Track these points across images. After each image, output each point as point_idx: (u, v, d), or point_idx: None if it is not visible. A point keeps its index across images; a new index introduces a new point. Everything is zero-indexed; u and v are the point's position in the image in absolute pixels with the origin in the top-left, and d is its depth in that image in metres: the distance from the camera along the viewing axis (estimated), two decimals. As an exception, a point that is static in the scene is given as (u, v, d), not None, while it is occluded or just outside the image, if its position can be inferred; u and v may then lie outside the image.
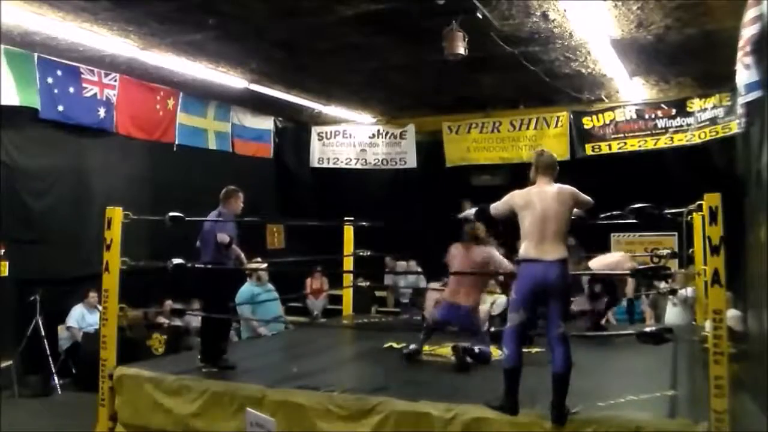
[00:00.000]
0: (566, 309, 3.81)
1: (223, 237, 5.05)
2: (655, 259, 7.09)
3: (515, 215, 3.86)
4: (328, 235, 8.12)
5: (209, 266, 5.12)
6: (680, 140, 9.21)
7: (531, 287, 3.69)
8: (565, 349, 3.64)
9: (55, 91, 7.51)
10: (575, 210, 3.92)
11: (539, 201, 3.75)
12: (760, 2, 4.41)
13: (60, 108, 7.60)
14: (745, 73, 4.80)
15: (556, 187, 3.83)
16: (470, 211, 4.33)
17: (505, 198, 3.95)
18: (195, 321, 8.21)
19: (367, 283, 7.59)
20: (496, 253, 5.25)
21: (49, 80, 7.40)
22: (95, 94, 8.00)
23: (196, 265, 5.16)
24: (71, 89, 7.69)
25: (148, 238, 7.81)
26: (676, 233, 8.21)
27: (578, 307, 6.54)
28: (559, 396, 3.58)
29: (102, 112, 8.12)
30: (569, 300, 3.92)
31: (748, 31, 4.49)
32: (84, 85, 7.83)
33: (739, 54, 4.79)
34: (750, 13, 4.48)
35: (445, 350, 5.73)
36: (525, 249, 3.72)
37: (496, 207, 4.01)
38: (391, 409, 3.91)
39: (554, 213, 3.72)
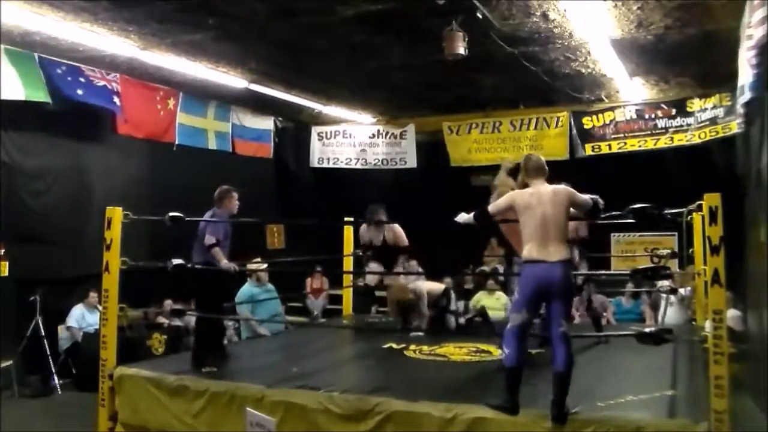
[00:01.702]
0: (568, 309, 3.83)
1: (210, 239, 5.06)
2: (655, 259, 7.09)
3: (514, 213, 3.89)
4: (328, 235, 8.12)
5: (199, 266, 5.12)
6: (680, 140, 9.21)
7: (534, 288, 3.71)
8: (566, 348, 3.66)
9: (68, 78, 7.51)
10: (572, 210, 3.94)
11: (537, 203, 3.78)
12: (766, 3, 4.40)
13: (79, 92, 7.60)
14: (750, 73, 4.80)
15: (551, 189, 3.87)
16: (468, 216, 4.30)
17: (507, 196, 3.98)
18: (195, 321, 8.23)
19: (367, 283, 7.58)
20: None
21: (59, 71, 7.40)
22: (105, 85, 8.02)
23: (188, 266, 5.16)
24: (81, 80, 7.70)
25: (148, 238, 7.82)
26: (676, 233, 8.20)
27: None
28: (559, 395, 3.59)
29: (117, 100, 8.15)
30: (572, 300, 3.94)
31: (757, 32, 4.48)
32: (91, 78, 7.84)
33: (748, 54, 4.78)
34: (757, 14, 4.47)
35: (446, 350, 5.73)
36: (528, 250, 3.74)
37: (496, 205, 4.03)
38: (391, 409, 3.91)
39: (552, 214, 3.75)
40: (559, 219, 3.76)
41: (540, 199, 3.80)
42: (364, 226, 7.02)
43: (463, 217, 4.35)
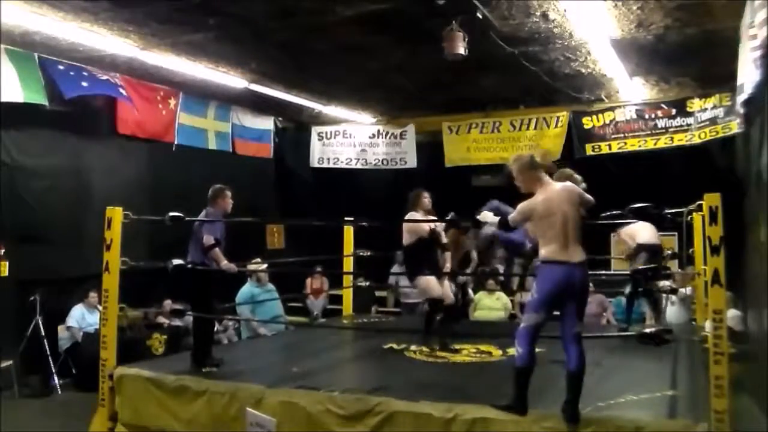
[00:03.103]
0: (583, 309, 3.80)
1: (208, 239, 5.03)
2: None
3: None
4: (328, 235, 8.12)
5: (194, 267, 5.09)
6: (680, 140, 9.20)
7: (556, 289, 3.66)
8: (579, 348, 3.66)
9: (71, 73, 7.51)
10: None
11: (557, 205, 3.73)
12: None
13: (84, 84, 7.61)
14: (754, 73, 4.80)
15: (561, 187, 3.84)
16: (494, 219, 4.24)
17: (521, 209, 3.86)
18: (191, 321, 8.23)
19: (367, 283, 7.58)
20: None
21: (60, 67, 7.39)
22: (108, 79, 8.03)
23: (188, 266, 5.13)
24: (84, 74, 7.70)
25: (148, 238, 7.82)
26: (676, 233, 8.20)
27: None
28: (573, 394, 3.59)
29: (123, 90, 8.18)
30: (586, 301, 3.91)
31: (762, 32, 4.48)
32: (94, 73, 7.84)
33: (752, 54, 4.77)
34: (760, 14, 4.47)
35: (446, 351, 5.72)
36: (551, 251, 3.68)
37: (515, 219, 3.96)
38: (391, 409, 3.91)
39: (571, 214, 3.72)
40: (576, 219, 3.74)
41: (559, 201, 3.74)
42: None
43: (487, 217, 4.30)
